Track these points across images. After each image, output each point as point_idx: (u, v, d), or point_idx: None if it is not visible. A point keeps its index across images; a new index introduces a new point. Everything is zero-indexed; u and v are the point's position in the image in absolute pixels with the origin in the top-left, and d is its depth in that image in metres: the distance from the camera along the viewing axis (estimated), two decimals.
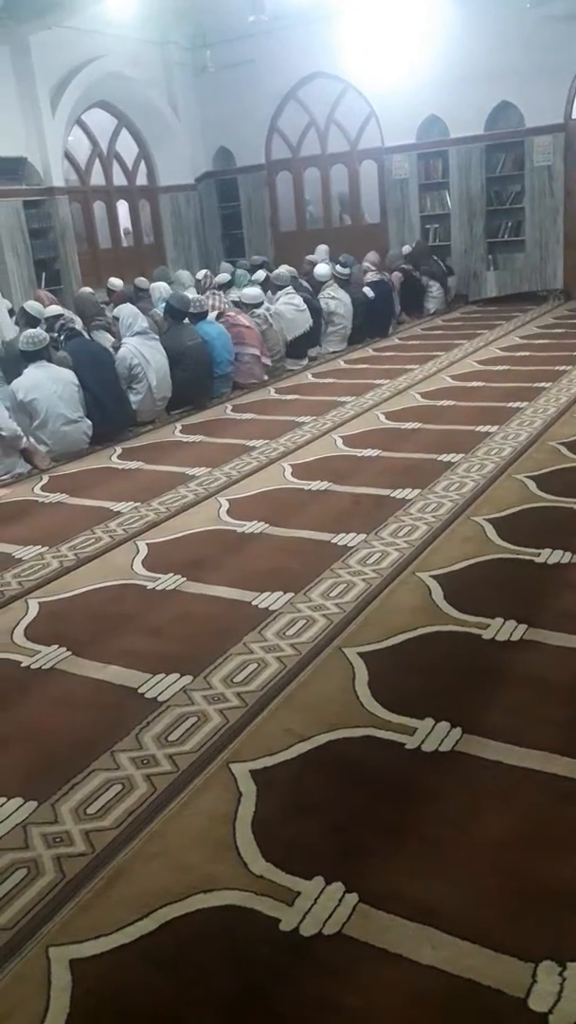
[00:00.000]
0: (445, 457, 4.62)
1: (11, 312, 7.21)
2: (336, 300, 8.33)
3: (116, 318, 6.44)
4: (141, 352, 6.05)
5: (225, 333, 6.85)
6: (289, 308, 7.76)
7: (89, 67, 9.89)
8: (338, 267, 8.59)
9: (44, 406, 5.33)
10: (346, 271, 8.56)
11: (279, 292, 8.01)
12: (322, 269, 8.52)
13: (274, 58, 10.76)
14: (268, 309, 7.52)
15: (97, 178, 10.94)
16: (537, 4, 9.12)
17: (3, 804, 2.12)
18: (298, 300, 7.86)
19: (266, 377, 7.27)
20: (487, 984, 1.53)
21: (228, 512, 4.16)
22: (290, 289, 7.98)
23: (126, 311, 6.29)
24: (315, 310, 8.03)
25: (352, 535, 3.66)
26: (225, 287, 8.55)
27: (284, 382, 7.25)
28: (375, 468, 4.63)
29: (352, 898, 1.74)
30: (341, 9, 9.96)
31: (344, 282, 8.50)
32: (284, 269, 8.30)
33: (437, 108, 10.19)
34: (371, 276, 9.06)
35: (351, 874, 1.80)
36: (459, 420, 5.39)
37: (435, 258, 10.31)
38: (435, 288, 10.24)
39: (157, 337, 6.29)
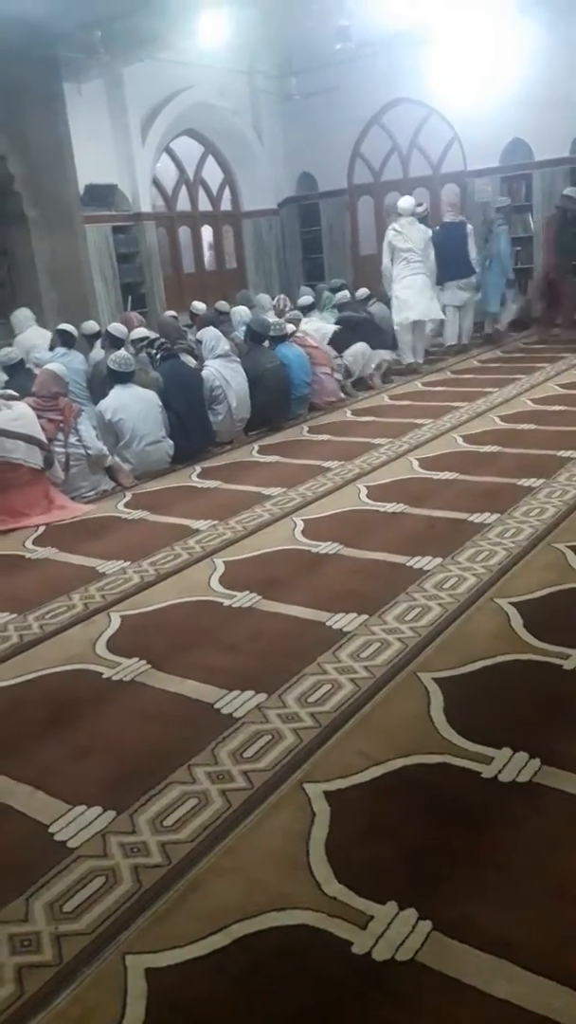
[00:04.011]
0: (525, 482, 4.56)
1: (97, 335, 7.45)
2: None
3: (199, 341, 6.59)
4: (222, 374, 6.17)
5: (303, 356, 6.92)
6: None
7: (178, 97, 10.20)
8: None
9: (129, 426, 5.49)
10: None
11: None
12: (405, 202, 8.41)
13: (359, 85, 10.87)
14: None
15: (183, 204, 11.23)
16: None
17: (84, 812, 2.18)
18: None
19: (343, 395, 7.32)
20: (563, 1023, 1.49)
21: (303, 532, 4.19)
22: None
23: (209, 334, 6.43)
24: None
25: (428, 559, 3.64)
26: (306, 310, 8.64)
27: (360, 404, 7.27)
28: (452, 491, 4.60)
29: (426, 925, 1.72)
30: (426, 36, 10.02)
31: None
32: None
33: (521, 131, 10.10)
34: (449, 217, 9.12)
35: (425, 901, 1.78)
36: (540, 444, 5.30)
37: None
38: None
39: (238, 359, 6.41)
